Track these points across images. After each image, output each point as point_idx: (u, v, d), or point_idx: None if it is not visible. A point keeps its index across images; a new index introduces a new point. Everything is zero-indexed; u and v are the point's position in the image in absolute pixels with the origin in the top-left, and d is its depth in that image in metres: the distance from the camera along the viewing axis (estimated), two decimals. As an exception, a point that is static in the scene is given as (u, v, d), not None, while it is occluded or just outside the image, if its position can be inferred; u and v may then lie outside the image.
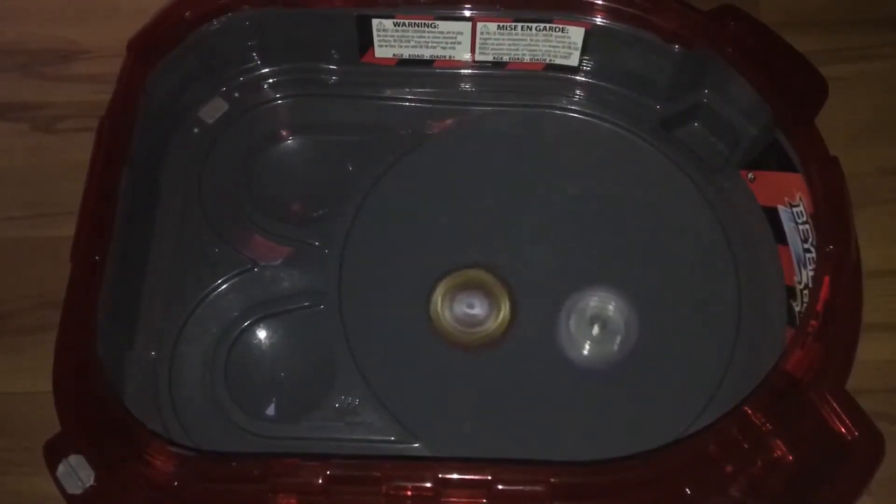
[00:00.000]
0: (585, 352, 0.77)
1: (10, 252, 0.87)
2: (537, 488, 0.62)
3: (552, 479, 0.62)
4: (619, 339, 0.77)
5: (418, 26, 0.84)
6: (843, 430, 0.63)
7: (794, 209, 0.75)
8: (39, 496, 0.75)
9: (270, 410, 0.76)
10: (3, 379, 0.81)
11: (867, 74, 0.94)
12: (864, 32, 0.97)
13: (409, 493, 0.63)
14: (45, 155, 0.92)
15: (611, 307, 0.78)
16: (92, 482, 0.63)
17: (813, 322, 0.66)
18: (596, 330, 0.77)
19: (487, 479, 0.62)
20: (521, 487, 0.62)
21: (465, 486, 0.63)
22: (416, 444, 0.73)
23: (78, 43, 0.98)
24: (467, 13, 0.83)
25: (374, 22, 0.84)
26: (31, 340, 0.82)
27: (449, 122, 0.87)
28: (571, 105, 0.87)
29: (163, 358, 0.76)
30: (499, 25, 0.83)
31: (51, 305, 0.80)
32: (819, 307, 0.67)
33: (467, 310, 0.79)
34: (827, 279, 0.68)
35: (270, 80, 0.89)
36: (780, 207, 0.77)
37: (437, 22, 0.83)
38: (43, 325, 0.82)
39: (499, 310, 0.79)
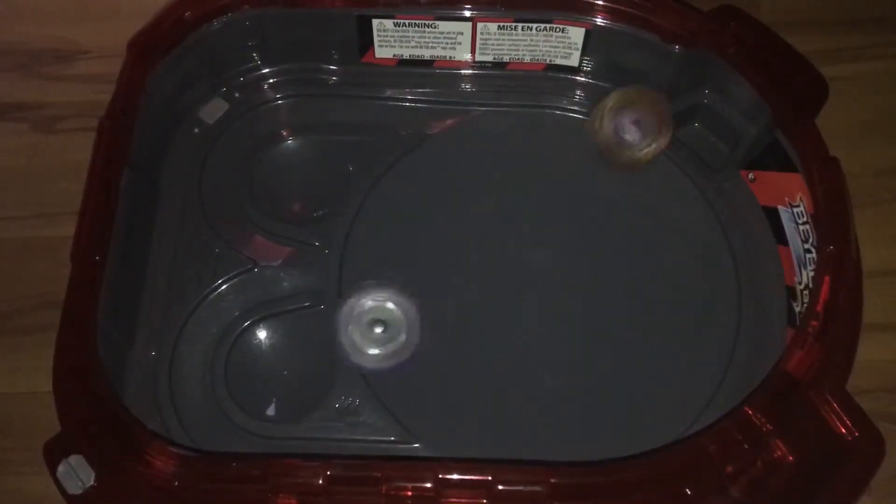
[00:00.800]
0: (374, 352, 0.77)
1: (10, 252, 0.87)
2: (537, 489, 0.62)
3: (552, 480, 0.62)
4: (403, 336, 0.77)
5: (419, 26, 0.84)
6: (843, 430, 0.63)
7: (795, 209, 0.75)
8: (39, 496, 0.75)
9: (271, 410, 0.76)
10: (3, 379, 0.81)
11: (867, 74, 0.95)
12: (864, 32, 0.97)
13: (410, 493, 0.63)
14: (45, 155, 0.92)
15: (389, 305, 0.78)
16: (92, 482, 0.63)
17: (813, 322, 0.67)
18: (379, 330, 0.77)
19: (488, 480, 0.62)
20: (521, 488, 0.62)
21: (466, 487, 0.63)
22: (416, 445, 0.73)
23: (78, 43, 0.99)
24: (467, 13, 0.83)
25: (375, 22, 0.84)
26: (31, 340, 0.82)
27: (449, 122, 0.87)
28: (572, 105, 0.87)
29: (163, 358, 0.76)
30: (499, 26, 0.83)
31: (51, 305, 0.80)
32: (819, 308, 0.67)
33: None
34: (827, 280, 0.68)
35: (271, 81, 0.89)
36: (781, 208, 0.77)
37: (438, 22, 0.84)
38: (43, 325, 0.82)
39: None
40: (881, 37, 0.97)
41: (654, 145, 0.81)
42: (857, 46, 0.96)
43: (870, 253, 0.74)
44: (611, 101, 0.83)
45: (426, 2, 0.83)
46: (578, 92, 0.87)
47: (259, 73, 0.88)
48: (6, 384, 0.81)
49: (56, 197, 0.89)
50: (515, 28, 0.84)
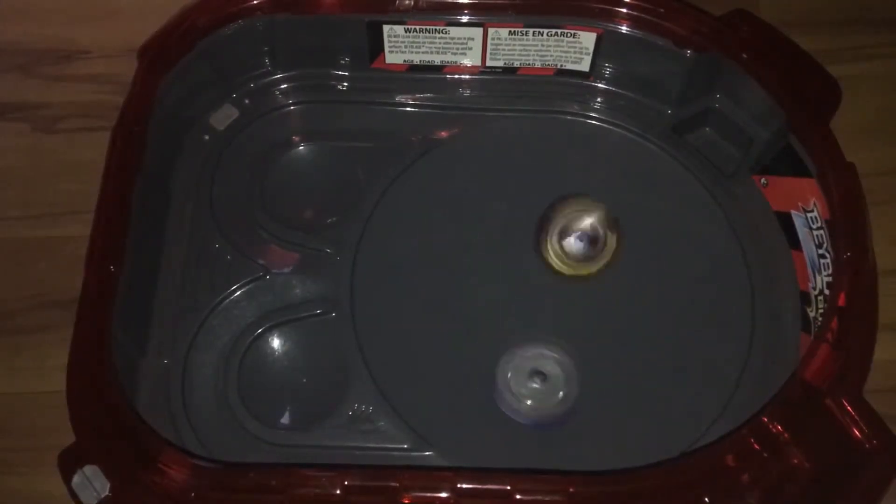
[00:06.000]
0: (529, 403, 0.76)
1: (10, 252, 0.86)
2: (556, 498, 0.62)
3: (571, 489, 0.62)
4: (561, 393, 0.76)
5: (429, 32, 0.84)
6: (860, 437, 0.63)
7: (808, 214, 0.75)
8: (39, 496, 0.75)
9: (284, 419, 0.75)
10: (3, 379, 0.81)
11: (867, 74, 0.94)
12: (864, 32, 0.97)
13: (428, 502, 0.63)
14: (45, 155, 0.92)
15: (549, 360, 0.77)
16: (107, 493, 0.63)
17: (830, 330, 0.67)
18: (537, 384, 0.76)
19: (506, 489, 0.62)
20: (539, 497, 0.63)
21: (484, 497, 0.63)
22: (429, 453, 0.73)
23: (78, 43, 0.98)
24: (478, 19, 0.83)
25: (385, 28, 0.83)
26: (31, 340, 0.82)
27: (459, 127, 0.87)
28: (583, 110, 0.87)
29: (175, 366, 0.76)
30: (510, 31, 0.83)
31: (51, 305, 0.81)
32: (836, 315, 0.67)
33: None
34: (844, 286, 0.68)
35: (281, 87, 0.88)
36: (794, 213, 0.77)
37: (448, 28, 0.83)
38: (43, 325, 0.82)
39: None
40: (881, 37, 0.97)
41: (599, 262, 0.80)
42: (857, 46, 0.96)
43: (872, 253, 0.74)
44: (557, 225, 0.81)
45: (437, 7, 0.83)
46: (590, 97, 0.87)
47: (269, 79, 0.88)
48: (6, 384, 0.80)
49: (56, 197, 0.88)
50: (526, 33, 0.83)
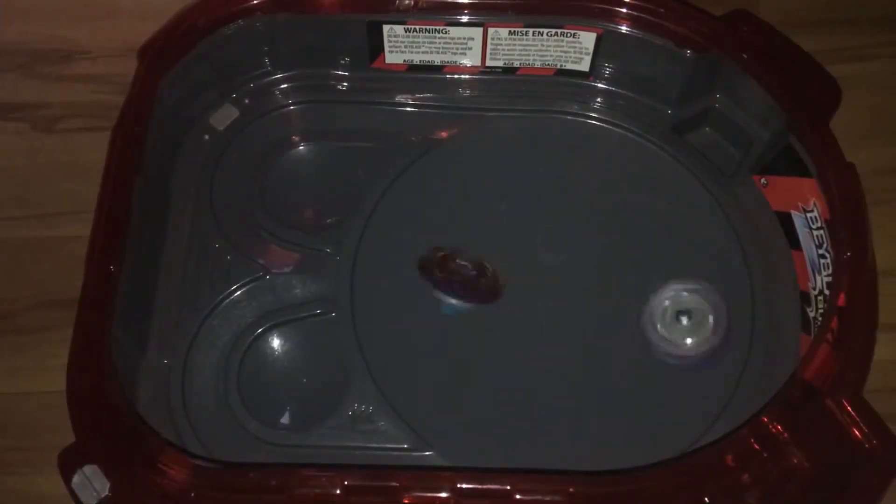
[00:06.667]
0: (689, 343, 0.77)
1: (10, 252, 0.86)
2: (556, 498, 0.62)
3: (571, 489, 0.62)
4: (711, 319, 0.77)
5: (429, 32, 0.84)
6: (860, 437, 0.63)
7: (808, 214, 0.75)
8: (39, 496, 0.75)
9: (284, 419, 0.75)
10: (3, 379, 0.81)
11: (867, 74, 0.94)
12: (864, 32, 0.97)
13: (428, 502, 0.63)
14: (45, 155, 0.92)
15: (685, 295, 0.78)
16: (107, 493, 0.63)
17: (830, 330, 0.67)
18: (685, 321, 0.77)
19: (506, 490, 0.62)
20: (539, 497, 0.62)
21: (484, 497, 0.63)
22: (429, 453, 0.73)
23: (78, 43, 0.98)
24: (478, 19, 0.83)
25: (385, 28, 0.83)
26: (31, 340, 0.82)
27: (459, 127, 0.87)
28: (583, 110, 0.87)
29: (175, 366, 0.76)
30: (510, 31, 0.83)
31: (51, 305, 0.81)
32: (836, 315, 0.67)
33: None
34: (844, 287, 0.68)
35: (281, 87, 0.88)
36: (794, 213, 0.77)
37: (448, 28, 0.83)
38: (43, 325, 0.82)
39: None
40: (881, 37, 0.97)
41: None
42: (857, 46, 0.96)
43: (872, 253, 0.74)
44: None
45: (437, 7, 0.83)
46: (590, 97, 0.87)
47: (269, 79, 0.88)
48: (6, 384, 0.80)
49: (56, 197, 0.89)
50: (526, 33, 0.83)
